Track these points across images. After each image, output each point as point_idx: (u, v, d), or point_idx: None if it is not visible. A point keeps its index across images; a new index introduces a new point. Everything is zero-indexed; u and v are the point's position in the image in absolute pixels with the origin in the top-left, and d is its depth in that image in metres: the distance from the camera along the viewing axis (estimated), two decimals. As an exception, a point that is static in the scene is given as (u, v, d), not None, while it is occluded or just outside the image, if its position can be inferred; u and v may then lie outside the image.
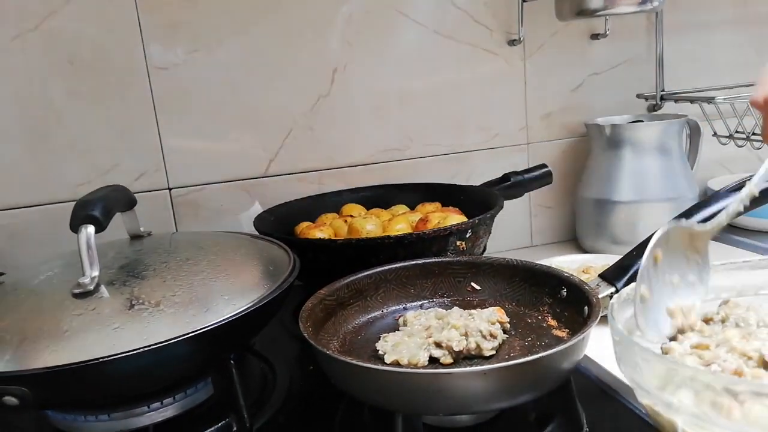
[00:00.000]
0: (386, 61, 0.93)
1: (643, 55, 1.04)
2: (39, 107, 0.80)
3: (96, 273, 0.53)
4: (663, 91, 1.04)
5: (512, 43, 0.96)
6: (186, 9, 0.83)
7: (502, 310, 0.60)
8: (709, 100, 0.92)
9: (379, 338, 0.58)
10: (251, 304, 0.52)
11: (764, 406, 0.33)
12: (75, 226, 0.54)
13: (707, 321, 0.48)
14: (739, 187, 0.62)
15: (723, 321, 0.48)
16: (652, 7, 0.86)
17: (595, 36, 1.00)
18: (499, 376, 0.44)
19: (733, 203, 0.50)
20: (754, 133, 0.96)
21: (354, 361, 0.46)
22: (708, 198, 0.62)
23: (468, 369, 0.45)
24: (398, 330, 0.59)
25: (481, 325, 0.55)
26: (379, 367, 0.48)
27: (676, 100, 1.02)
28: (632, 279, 0.57)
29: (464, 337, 0.55)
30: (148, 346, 0.47)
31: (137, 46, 0.82)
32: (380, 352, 0.55)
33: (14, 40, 0.78)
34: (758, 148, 0.99)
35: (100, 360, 0.45)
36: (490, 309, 0.60)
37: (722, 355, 0.42)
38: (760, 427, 0.33)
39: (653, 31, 1.02)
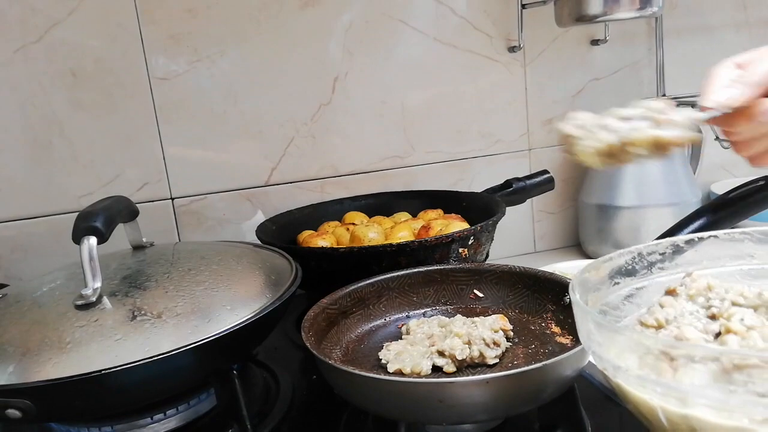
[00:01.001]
0: (387, 69, 0.93)
1: (644, 60, 1.04)
2: (41, 118, 0.81)
3: (98, 284, 0.53)
4: (664, 95, 1.03)
5: (512, 49, 0.97)
6: (187, 20, 0.84)
7: (505, 318, 0.60)
8: (711, 104, 0.92)
9: (381, 347, 0.57)
10: (253, 314, 0.52)
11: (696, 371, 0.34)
12: (77, 238, 0.54)
13: (670, 293, 0.47)
14: (744, 190, 0.62)
15: (691, 298, 0.46)
16: (652, 13, 0.87)
17: (595, 42, 1.01)
18: (502, 385, 0.44)
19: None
20: (756, 137, 0.96)
21: (356, 371, 0.46)
22: (714, 201, 0.62)
23: (470, 378, 0.45)
24: (401, 338, 0.59)
25: (484, 333, 0.55)
26: (382, 376, 0.48)
27: (677, 105, 1.02)
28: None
29: (467, 345, 0.54)
30: (151, 357, 0.46)
31: (139, 57, 0.83)
32: (383, 361, 0.55)
33: (17, 52, 0.79)
34: (761, 152, 0.99)
35: (103, 372, 0.45)
36: (493, 317, 0.60)
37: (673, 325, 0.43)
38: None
39: (653, 36, 1.03)
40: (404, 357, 0.54)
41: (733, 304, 0.43)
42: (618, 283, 0.49)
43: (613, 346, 0.39)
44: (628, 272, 0.50)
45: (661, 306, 0.46)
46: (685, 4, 1.05)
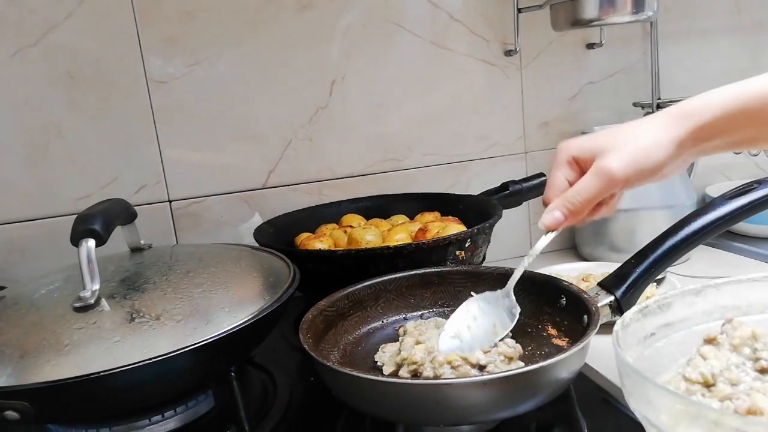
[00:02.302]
0: (384, 73, 0.93)
1: (639, 63, 1.05)
2: (39, 121, 0.81)
3: (96, 286, 0.53)
4: (659, 99, 1.04)
5: (509, 53, 0.97)
6: (184, 23, 0.84)
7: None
8: (705, 108, 0.92)
9: (379, 349, 0.58)
10: (251, 316, 0.53)
11: None
12: (75, 240, 0.54)
13: (710, 341, 0.46)
14: (736, 194, 0.62)
15: (735, 348, 0.44)
16: (647, 17, 0.87)
17: (590, 45, 1.01)
18: (498, 387, 0.44)
19: (520, 267, 0.57)
20: (750, 140, 0.97)
21: (353, 373, 0.46)
22: (708, 203, 0.62)
23: (467, 380, 0.45)
24: (398, 340, 0.60)
25: (502, 347, 0.55)
26: (379, 378, 0.48)
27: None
28: (631, 287, 0.57)
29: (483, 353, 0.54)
30: (149, 359, 0.47)
31: (136, 60, 0.83)
32: (378, 363, 0.55)
33: (14, 56, 0.79)
34: (755, 155, 1.00)
35: (101, 374, 0.45)
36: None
37: (738, 391, 0.40)
38: None
39: (648, 40, 1.03)
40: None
41: None
42: (654, 334, 0.48)
43: (677, 417, 0.36)
44: (663, 323, 0.48)
45: (703, 357, 0.44)
46: (680, 8, 1.06)
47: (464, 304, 0.59)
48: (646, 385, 0.38)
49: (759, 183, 0.62)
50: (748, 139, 0.49)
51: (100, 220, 0.55)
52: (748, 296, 0.50)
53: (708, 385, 0.42)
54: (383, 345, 0.58)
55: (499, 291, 0.59)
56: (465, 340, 0.56)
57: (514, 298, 0.58)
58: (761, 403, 0.37)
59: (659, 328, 0.48)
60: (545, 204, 0.54)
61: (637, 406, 0.40)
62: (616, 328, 0.44)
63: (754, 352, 0.43)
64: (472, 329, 0.57)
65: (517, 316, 0.57)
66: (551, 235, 0.54)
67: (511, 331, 0.59)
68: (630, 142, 0.49)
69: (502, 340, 0.55)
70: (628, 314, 0.46)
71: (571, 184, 0.53)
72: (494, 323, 0.57)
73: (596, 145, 0.51)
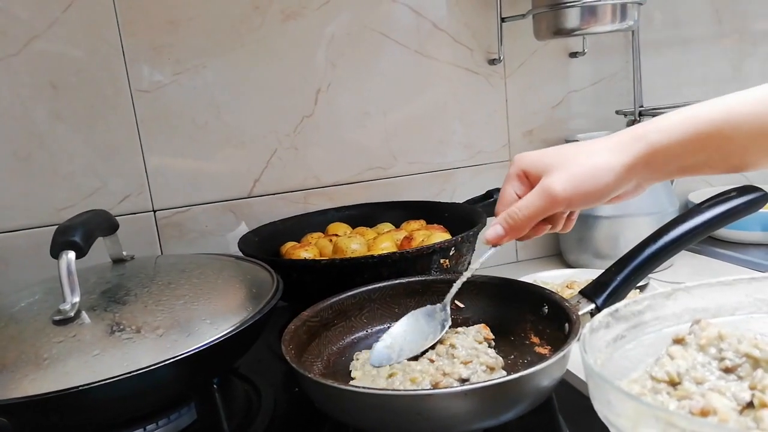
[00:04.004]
0: (369, 81, 0.94)
1: (621, 72, 1.06)
2: (21, 131, 0.80)
3: (77, 299, 0.53)
4: (641, 106, 1.05)
5: (492, 62, 0.98)
6: (169, 32, 0.84)
7: (488, 327, 0.61)
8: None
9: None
10: (233, 327, 0.52)
11: None
12: (55, 253, 0.53)
13: (678, 341, 0.46)
14: (716, 202, 0.63)
15: (701, 348, 0.45)
16: (628, 26, 0.89)
17: (573, 54, 1.02)
18: (480, 396, 0.45)
19: (458, 281, 0.60)
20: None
21: (334, 384, 0.46)
22: (688, 211, 0.63)
23: (449, 390, 0.46)
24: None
25: (483, 358, 0.55)
26: (360, 389, 0.48)
27: (654, 116, 1.04)
28: (612, 294, 0.58)
29: (465, 366, 0.54)
30: (129, 372, 0.46)
31: (120, 69, 0.83)
32: (352, 372, 0.55)
33: (-4, 66, 0.78)
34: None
35: (81, 388, 0.45)
36: (476, 327, 0.60)
37: (695, 391, 0.41)
38: None
39: (630, 49, 1.05)
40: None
41: (746, 355, 0.42)
42: (624, 337, 0.48)
43: (635, 419, 0.36)
44: (633, 325, 0.48)
45: (671, 357, 0.44)
46: (662, 17, 1.07)
47: (405, 317, 0.61)
48: (606, 387, 0.38)
49: (737, 191, 0.63)
50: (700, 164, 0.49)
51: (80, 232, 0.55)
52: (717, 299, 0.50)
53: (674, 384, 0.42)
54: (357, 353, 0.58)
55: (438, 305, 0.61)
56: (395, 349, 0.58)
57: (449, 311, 0.60)
58: (715, 403, 0.38)
59: (629, 331, 0.49)
60: (495, 216, 0.54)
61: (600, 407, 0.40)
62: (584, 331, 0.45)
63: (719, 352, 0.43)
64: (407, 340, 0.59)
65: (447, 328, 0.59)
66: (493, 250, 0.55)
67: (492, 341, 0.59)
68: (579, 163, 0.49)
69: (427, 350, 0.57)
70: (597, 318, 0.47)
71: (519, 197, 0.53)
72: (429, 335, 0.59)
73: (545, 162, 0.51)
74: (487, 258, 0.56)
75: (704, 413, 0.38)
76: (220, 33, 0.86)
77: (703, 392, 0.40)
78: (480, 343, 0.58)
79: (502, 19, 0.95)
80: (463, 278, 0.59)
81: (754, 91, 0.46)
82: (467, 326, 0.62)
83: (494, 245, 0.54)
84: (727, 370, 0.42)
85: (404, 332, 0.60)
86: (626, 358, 0.47)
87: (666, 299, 0.50)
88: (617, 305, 0.48)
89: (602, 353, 0.46)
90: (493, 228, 0.53)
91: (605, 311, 0.47)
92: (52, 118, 0.81)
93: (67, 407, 0.46)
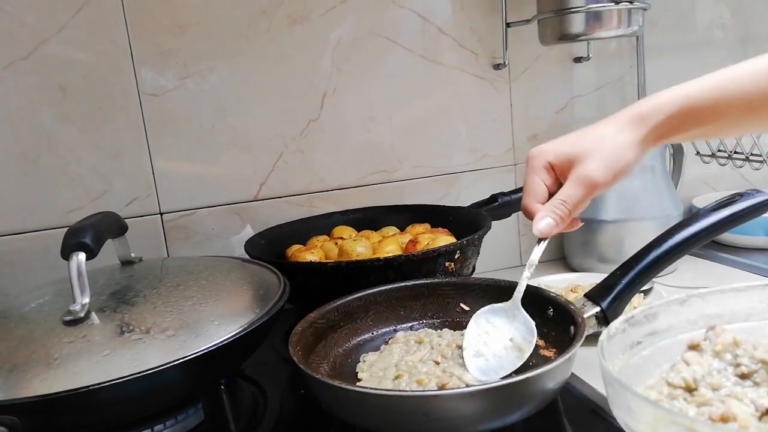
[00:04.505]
0: (375, 86, 0.94)
1: (626, 77, 1.06)
2: (30, 134, 0.81)
3: (86, 300, 0.53)
4: (646, 111, 1.06)
5: (497, 67, 0.99)
6: (177, 36, 0.85)
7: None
8: (691, 121, 0.94)
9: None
10: (241, 329, 0.53)
11: None
12: (66, 254, 0.54)
13: (694, 347, 0.46)
14: (719, 206, 0.63)
15: (717, 354, 0.45)
16: (633, 32, 0.89)
17: (578, 59, 1.03)
18: (486, 398, 0.45)
19: (523, 279, 0.59)
20: (735, 152, 0.98)
21: (341, 385, 0.46)
22: (692, 215, 0.63)
23: (455, 391, 0.46)
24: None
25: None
26: (367, 390, 0.48)
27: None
28: (617, 298, 0.58)
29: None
30: (139, 372, 0.47)
31: (129, 72, 0.84)
32: (359, 374, 0.55)
33: (6, 69, 0.79)
34: (740, 167, 1.01)
35: (91, 388, 0.45)
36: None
37: (714, 397, 0.41)
38: None
39: (635, 54, 1.05)
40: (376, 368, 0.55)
41: (762, 361, 0.42)
42: (640, 343, 0.48)
43: (655, 425, 0.36)
44: (649, 331, 0.49)
45: (686, 363, 0.44)
46: (666, 23, 1.08)
47: (472, 320, 0.59)
48: (626, 393, 0.38)
49: (741, 195, 0.63)
50: (701, 134, 0.53)
51: (91, 234, 0.55)
52: (731, 305, 0.51)
53: (690, 390, 0.42)
54: (364, 355, 0.59)
55: (503, 303, 0.59)
56: (488, 357, 0.56)
57: (524, 310, 0.58)
58: (735, 410, 0.38)
59: (645, 337, 0.49)
60: (524, 209, 0.55)
61: (619, 414, 0.40)
62: (601, 338, 0.45)
63: (735, 358, 0.44)
64: (490, 345, 0.57)
65: (535, 329, 0.57)
66: (544, 244, 0.56)
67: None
68: (606, 147, 0.52)
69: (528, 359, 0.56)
70: (614, 324, 0.47)
71: (548, 188, 0.55)
72: (510, 336, 0.57)
73: (571, 152, 0.54)
74: (541, 253, 0.56)
75: (724, 419, 0.38)
76: (227, 37, 0.87)
77: (722, 398, 0.40)
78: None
79: (507, 24, 0.96)
80: (527, 275, 0.58)
81: (743, 66, 0.51)
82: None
83: (545, 239, 0.55)
84: (743, 376, 0.42)
85: (482, 336, 0.58)
86: (642, 364, 0.48)
87: (680, 305, 0.50)
88: (633, 312, 0.49)
89: (619, 359, 0.46)
90: (544, 221, 0.53)
91: (621, 318, 0.48)
92: (60, 121, 0.82)
93: (77, 407, 0.47)
